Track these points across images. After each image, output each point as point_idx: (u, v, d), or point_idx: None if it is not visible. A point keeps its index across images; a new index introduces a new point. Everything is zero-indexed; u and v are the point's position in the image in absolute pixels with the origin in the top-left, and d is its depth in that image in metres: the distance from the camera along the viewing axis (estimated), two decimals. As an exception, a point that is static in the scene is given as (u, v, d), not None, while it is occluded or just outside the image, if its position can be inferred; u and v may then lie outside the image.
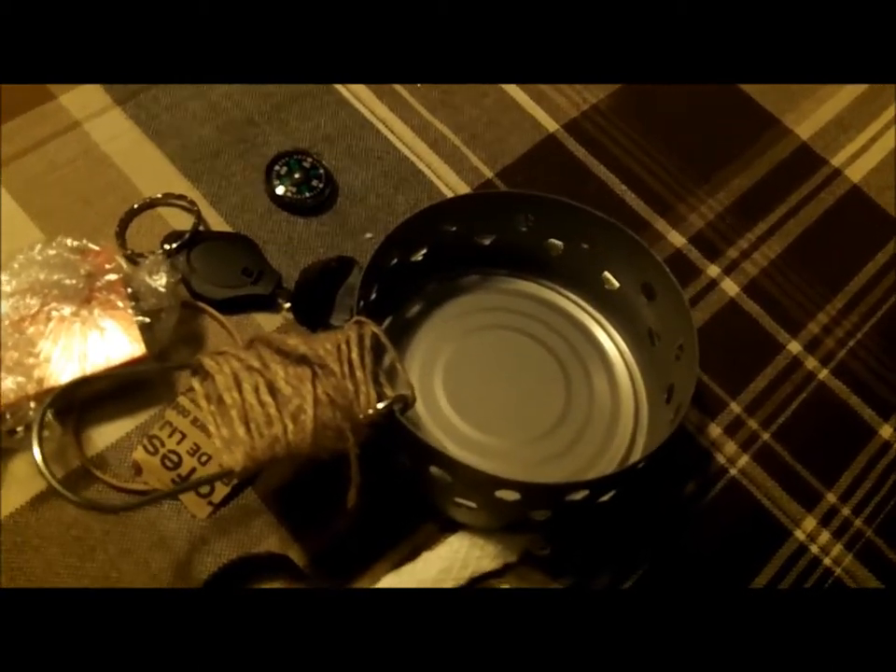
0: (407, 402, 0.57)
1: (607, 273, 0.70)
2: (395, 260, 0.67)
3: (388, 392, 0.57)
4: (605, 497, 0.61)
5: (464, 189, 0.78)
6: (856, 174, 0.86)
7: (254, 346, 0.56)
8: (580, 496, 0.58)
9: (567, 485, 0.57)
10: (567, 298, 0.72)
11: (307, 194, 0.74)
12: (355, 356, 0.57)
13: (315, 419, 0.54)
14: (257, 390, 0.54)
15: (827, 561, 0.67)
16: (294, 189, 0.74)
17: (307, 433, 0.54)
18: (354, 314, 0.60)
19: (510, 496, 0.57)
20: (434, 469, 0.58)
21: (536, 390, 0.68)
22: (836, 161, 0.86)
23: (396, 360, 0.58)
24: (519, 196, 0.68)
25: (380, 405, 0.56)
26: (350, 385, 0.56)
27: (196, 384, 0.54)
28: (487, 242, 0.71)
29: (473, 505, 0.60)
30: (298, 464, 0.65)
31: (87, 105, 0.76)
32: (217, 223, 0.73)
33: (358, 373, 0.56)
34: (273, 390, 0.54)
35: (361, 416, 0.56)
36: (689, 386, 0.61)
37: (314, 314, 0.69)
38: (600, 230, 0.67)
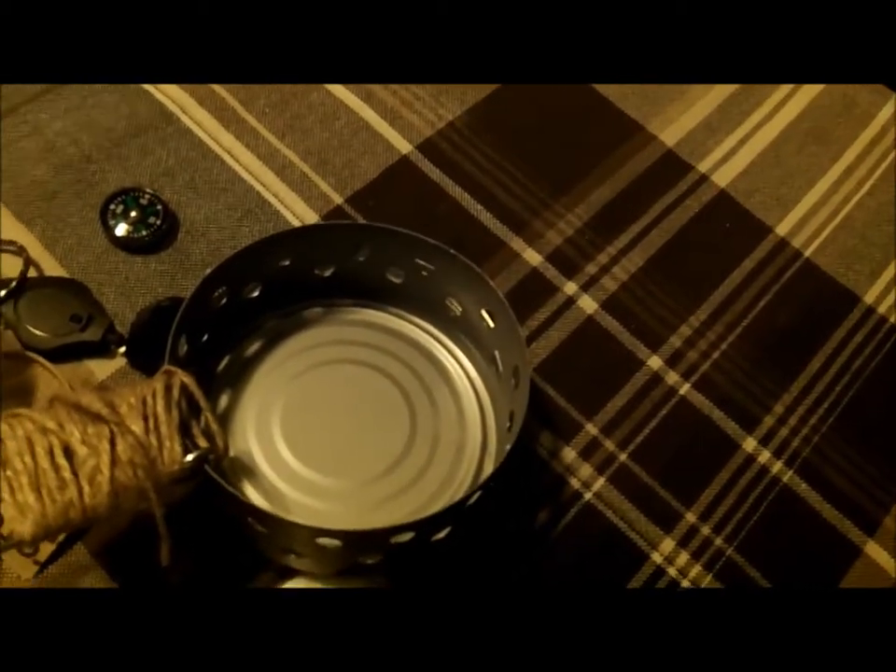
0: (218, 454, 0.55)
1: (449, 300, 0.68)
2: (224, 300, 0.65)
3: (202, 444, 0.55)
4: (440, 535, 0.59)
5: (312, 217, 0.75)
6: (723, 178, 0.84)
7: (53, 405, 0.54)
8: (406, 537, 0.56)
9: (389, 530, 0.55)
10: (415, 325, 0.71)
11: (144, 232, 0.72)
12: (160, 409, 0.55)
13: (111, 480, 0.52)
14: (51, 453, 0.52)
15: (685, 583, 0.66)
16: (131, 228, 0.72)
17: (104, 495, 0.52)
18: (165, 362, 0.58)
19: (330, 543, 0.55)
20: (251, 520, 0.56)
21: (379, 425, 0.66)
22: (703, 166, 0.85)
23: (207, 410, 0.56)
24: (349, 227, 0.67)
25: (188, 458, 0.54)
26: (154, 440, 0.54)
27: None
28: (328, 273, 0.69)
29: (299, 553, 0.58)
30: (130, 516, 0.63)
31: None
32: (51, 267, 0.71)
33: (163, 428, 0.54)
34: (69, 452, 0.52)
35: (166, 473, 0.53)
36: (521, 413, 0.59)
37: (148, 357, 0.67)
38: (437, 257, 0.65)
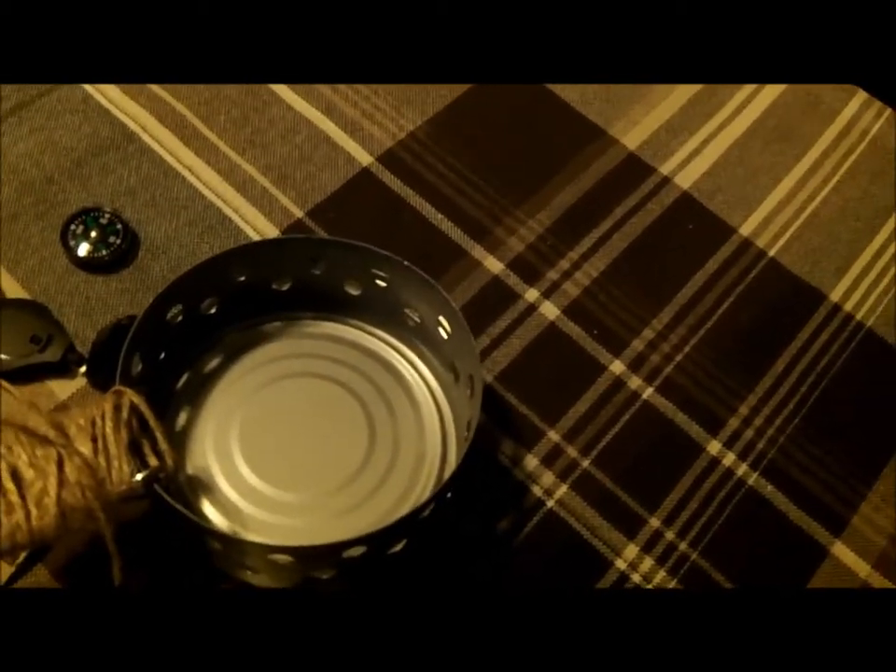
0: (167, 473, 0.55)
1: (407, 310, 0.68)
2: (181, 317, 0.65)
3: (153, 462, 0.55)
4: (397, 547, 0.59)
5: (273, 231, 0.76)
6: (686, 180, 0.84)
7: (1, 429, 0.54)
8: (358, 551, 0.56)
9: (340, 544, 0.55)
10: (374, 336, 0.71)
11: (104, 251, 0.72)
12: (108, 430, 0.55)
13: (59, 502, 0.52)
14: (-2, 476, 0.52)
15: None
16: (91, 248, 0.72)
17: (51, 517, 0.52)
18: (117, 381, 0.58)
19: (282, 559, 0.55)
20: (204, 537, 0.56)
21: (338, 438, 0.66)
22: (665, 168, 0.85)
23: (157, 429, 0.56)
24: (303, 241, 0.67)
25: (136, 478, 0.54)
26: (102, 460, 0.54)
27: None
28: (286, 287, 0.69)
29: (254, 569, 0.58)
30: (87, 536, 0.63)
31: None
32: (13, 289, 0.71)
33: (112, 448, 0.55)
34: (16, 475, 0.52)
35: (115, 493, 0.54)
36: (475, 421, 0.59)
37: (109, 376, 0.67)
38: (392, 268, 0.65)
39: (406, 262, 0.64)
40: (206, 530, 0.55)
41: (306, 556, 0.55)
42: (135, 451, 0.55)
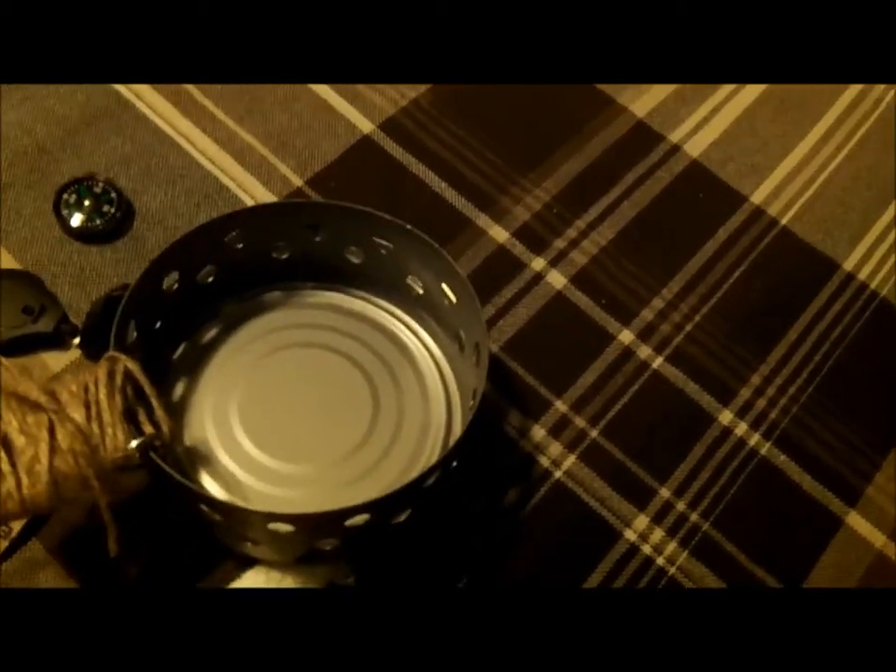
0: (164, 441, 0.54)
1: (411, 279, 0.66)
2: (175, 285, 0.63)
3: (148, 430, 0.54)
4: (401, 518, 0.58)
5: (271, 200, 0.74)
6: (695, 148, 0.82)
7: (-9, 395, 0.53)
8: (361, 520, 0.54)
9: (342, 511, 0.53)
10: (377, 306, 0.69)
11: (98, 221, 0.70)
12: (102, 396, 0.53)
13: (50, 470, 0.50)
14: (-12, 443, 0.50)
15: (660, 560, 0.64)
16: (85, 218, 0.70)
17: (43, 485, 0.50)
18: (111, 348, 0.56)
19: (283, 528, 0.53)
20: (203, 507, 0.54)
21: (340, 409, 0.64)
22: (675, 136, 0.83)
23: (152, 396, 0.54)
24: (302, 205, 0.65)
25: (131, 445, 0.52)
26: (96, 427, 0.52)
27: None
28: (285, 256, 0.67)
29: (255, 540, 0.56)
30: (87, 509, 0.62)
31: None
32: (5, 259, 0.69)
33: (105, 415, 0.53)
34: (6, 442, 0.50)
35: (109, 461, 0.52)
36: (481, 389, 0.57)
37: (103, 347, 0.65)
38: (394, 234, 0.64)
39: (409, 227, 0.62)
40: (206, 499, 0.53)
41: (308, 525, 0.53)
42: (130, 418, 0.53)
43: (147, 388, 0.54)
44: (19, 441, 0.50)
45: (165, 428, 0.53)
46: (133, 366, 0.54)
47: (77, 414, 0.52)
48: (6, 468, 0.50)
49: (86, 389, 0.53)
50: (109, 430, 0.52)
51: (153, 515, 0.60)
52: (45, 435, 0.51)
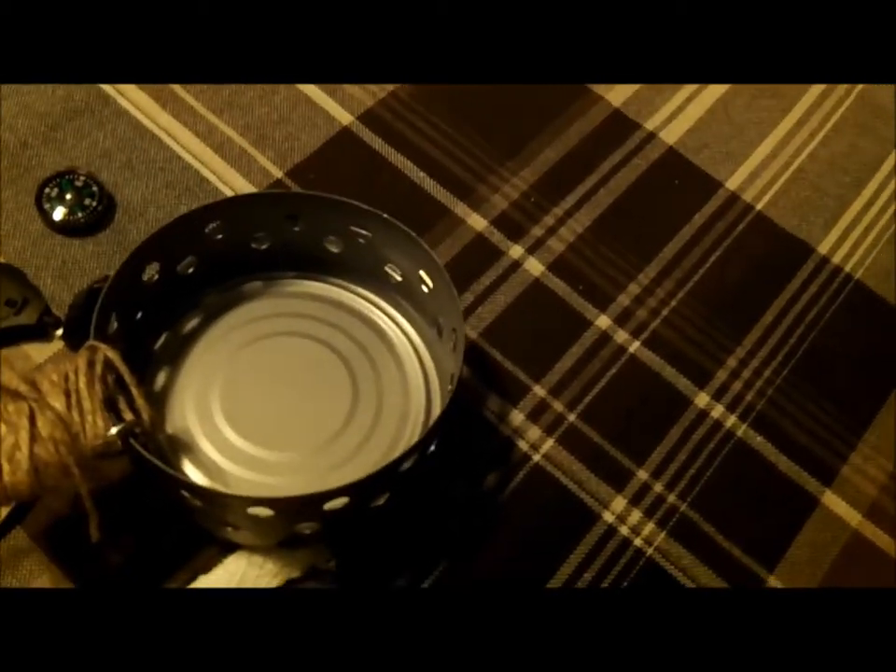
0: (144, 427, 0.54)
1: (389, 267, 0.67)
2: (156, 276, 0.64)
3: (128, 418, 0.54)
4: (380, 501, 0.59)
5: (251, 192, 0.74)
6: (671, 136, 0.83)
7: (-26, 385, 0.53)
8: (340, 503, 0.55)
9: (321, 495, 0.54)
10: (356, 294, 0.70)
11: (80, 214, 0.71)
12: (82, 385, 0.54)
13: (31, 457, 0.51)
14: (-31, 432, 0.51)
15: (638, 541, 0.65)
16: (67, 211, 0.71)
17: (24, 472, 0.51)
18: (91, 338, 0.57)
19: (263, 512, 0.54)
20: (184, 493, 0.55)
21: (321, 397, 0.65)
22: (650, 124, 0.84)
23: (132, 384, 0.55)
24: (280, 196, 0.66)
25: (112, 431, 0.53)
26: (76, 415, 0.53)
27: None
28: (265, 246, 0.68)
29: (235, 525, 0.57)
30: (70, 498, 0.62)
31: None
32: (-13, 254, 0.70)
33: (86, 403, 0.54)
34: (-13, 430, 0.51)
35: (89, 448, 0.53)
36: (457, 374, 0.58)
37: (85, 339, 0.66)
38: (371, 223, 0.64)
39: (386, 216, 0.63)
40: (185, 485, 0.54)
41: (287, 509, 0.54)
42: (111, 407, 0.54)
43: (127, 377, 0.55)
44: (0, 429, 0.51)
45: (146, 416, 0.54)
46: (112, 355, 0.55)
47: (58, 403, 0.53)
48: (-13, 455, 0.50)
49: (66, 378, 0.54)
50: (89, 418, 0.53)
51: (135, 502, 0.60)
52: (25, 423, 0.52)
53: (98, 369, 0.55)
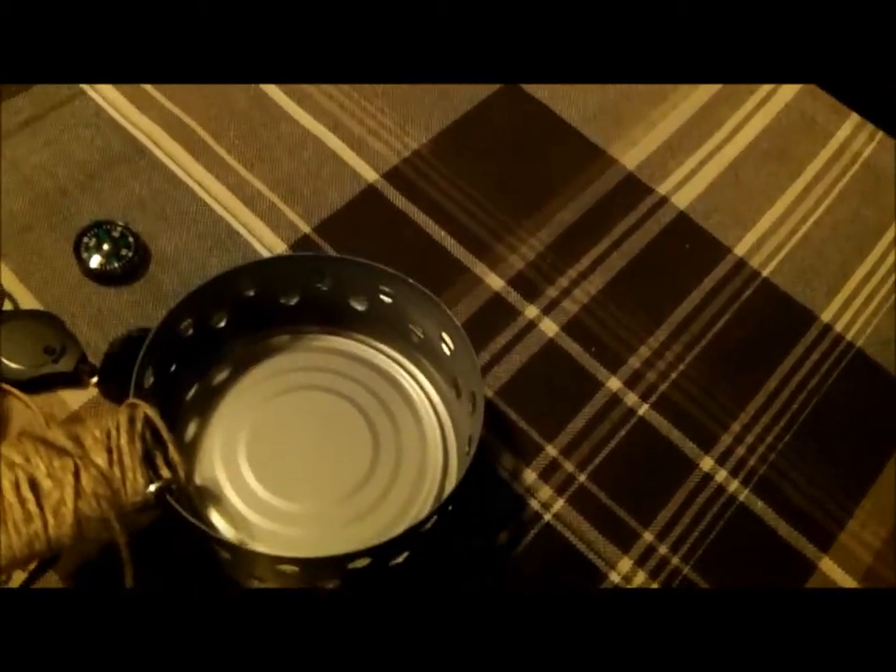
0: (179, 484, 0.57)
1: (411, 326, 0.70)
2: (191, 330, 0.67)
3: (165, 474, 0.57)
4: (399, 559, 0.61)
5: (280, 246, 0.78)
6: (682, 200, 0.86)
7: (20, 440, 0.56)
8: (362, 563, 0.58)
9: (345, 556, 0.57)
10: (379, 350, 0.73)
11: (116, 264, 0.74)
12: (123, 442, 0.57)
13: (75, 512, 0.54)
14: (17, 486, 0.54)
15: (642, 600, 0.67)
16: (104, 260, 0.74)
17: (68, 526, 0.54)
18: (131, 394, 0.60)
19: (290, 569, 0.57)
20: (215, 547, 0.58)
21: (342, 450, 0.68)
22: (663, 188, 0.87)
23: (170, 441, 0.58)
24: (310, 258, 0.69)
25: (150, 489, 0.56)
26: (117, 472, 0.56)
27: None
28: (293, 302, 0.71)
29: (262, 578, 0.60)
30: (98, 545, 0.65)
31: None
32: (26, 299, 0.73)
33: (126, 460, 0.56)
34: (34, 485, 0.54)
35: (129, 503, 0.56)
36: (477, 438, 0.61)
37: (120, 387, 0.69)
38: (396, 285, 0.67)
39: (411, 280, 0.66)
40: (216, 540, 0.57)
41: (312, 567, 0.57)
42: (148, 462, 0.57)
43: (165, 434, 0.58)
44: (46, 484, 0.54)
45: (181, 472, 0.57)
46: (152, 413, 0.58)
47: (101, 459, 0.56)
48: (34, 509, 0.53)
49: (108, 435, 0.57)
50: (130, 475, 0.56)
51: (163, 549, 0.63)
52: (70, 479, 0.54)
53: (138, 426, 0.57)
